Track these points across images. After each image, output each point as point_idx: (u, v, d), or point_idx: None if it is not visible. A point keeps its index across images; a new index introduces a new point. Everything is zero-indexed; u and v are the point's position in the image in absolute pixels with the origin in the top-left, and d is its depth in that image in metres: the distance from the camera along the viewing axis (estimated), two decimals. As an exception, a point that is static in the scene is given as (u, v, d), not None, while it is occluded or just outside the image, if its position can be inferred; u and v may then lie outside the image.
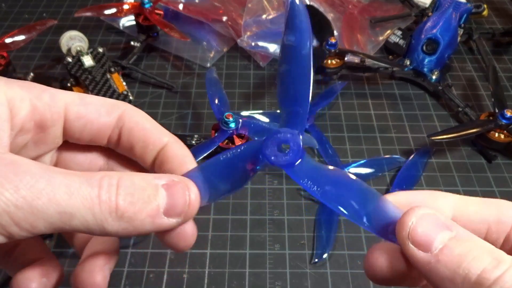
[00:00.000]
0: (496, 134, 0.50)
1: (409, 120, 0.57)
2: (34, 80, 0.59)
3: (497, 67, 0.62)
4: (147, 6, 0.62)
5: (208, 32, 0.67)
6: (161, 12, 0.65)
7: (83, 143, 0.24)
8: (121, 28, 0.69)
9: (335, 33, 0.62)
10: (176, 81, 0.61)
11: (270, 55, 0.64)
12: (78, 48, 0.57)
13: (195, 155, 0.46)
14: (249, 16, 0.64)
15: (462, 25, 0.63)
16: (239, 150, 0.21)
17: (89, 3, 0.77)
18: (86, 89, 0.51)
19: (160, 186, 0.20)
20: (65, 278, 0.24)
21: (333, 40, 0.57)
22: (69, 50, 0.57)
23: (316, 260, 0.43)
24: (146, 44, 0.66)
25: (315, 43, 0.64)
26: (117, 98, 0.49)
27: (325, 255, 0.43)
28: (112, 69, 0.54)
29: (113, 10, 0.64)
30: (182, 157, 0.23)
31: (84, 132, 0.23)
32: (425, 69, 0.59)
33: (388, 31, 0.67)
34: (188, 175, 0.22)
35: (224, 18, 0.66)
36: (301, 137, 0.20)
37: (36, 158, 0.24)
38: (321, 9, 0.65)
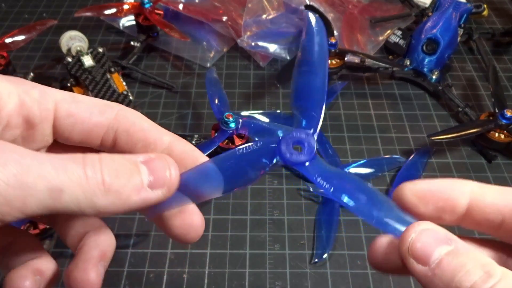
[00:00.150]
0: (496, 134, 0.50)
1: (409, 120, 0.57)
2: (34, 80, 0.59)
3: (497, 67, 0.62)
4: (147, 6, 0.62)
5: (208, 32, 0.67)
6: (161, 12, 0.65)
7: (73, 144, 0.24)
8: (121, 28, 0.69)
9: (335, 33, 0.62)
10: (176, 81, 0.61)
11: (270, 55, 0.64)
12: (78, 48, 0.57)
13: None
14: (249, 16, 0.64)
15: (462, 25, 0.63)
16: (255, 146, 0.22)
17: (89, 3, 0.77)
18: (86, 89, 0.51)
19: (139, 162, 0.20)
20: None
21: (333, 40, 0.57)
22: (69, 50, 0.57)
23: (316, 260, 0.43)
24: (146, 44, 0.66)
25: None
26: (117, 98, 0.49)
27: (325, 255, 0.43)
28: (112, 69, 0.54)
29: (113, 10, 0.64)
30: (191, 152, 0.23)
31: (74, 132, 0.23)
32: (425, 69, 0.59)
33: (388, 31, 0.67)
34: (202, 165, 0.22)
35: (224, 18, 0.66)
36: (315, 137, 0.22)
37: None
38: (321, 9, 0.65)
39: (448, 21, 0.59)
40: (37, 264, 0.23)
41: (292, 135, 0.21)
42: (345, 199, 0.21)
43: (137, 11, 0.63)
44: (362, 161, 0.51)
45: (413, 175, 0.50)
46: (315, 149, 0.21)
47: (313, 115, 0.23)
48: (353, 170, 0.50)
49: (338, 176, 0.22)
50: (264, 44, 0.64)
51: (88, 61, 0.54)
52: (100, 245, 0.23)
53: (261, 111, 0.55)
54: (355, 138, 0.54)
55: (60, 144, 0.24)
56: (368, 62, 0.60)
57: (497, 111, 0.50)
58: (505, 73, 0.63)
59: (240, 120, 0.48)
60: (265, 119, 0.54)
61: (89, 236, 0.23)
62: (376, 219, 0.20)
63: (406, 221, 0.20)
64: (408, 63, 0.60)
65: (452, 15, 0.60)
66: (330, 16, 0.65)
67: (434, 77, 0.59)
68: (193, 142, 0.50)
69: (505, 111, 0.49)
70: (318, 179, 0.21)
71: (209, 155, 0.46)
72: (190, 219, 0.22)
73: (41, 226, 0.42)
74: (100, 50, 0.55)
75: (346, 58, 0.59)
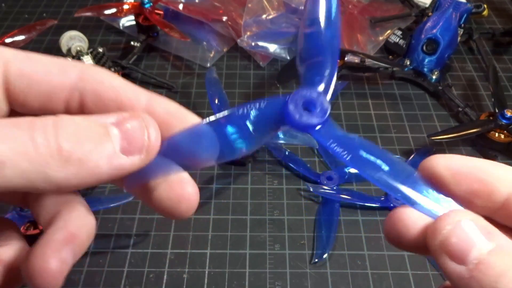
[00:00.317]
0: (496, 134, 0.50)
1: (409, 120, 0.57)
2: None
3: (497, 67, 0.62)
4: (147, 6, 0.62)
5: (208, 32, 0.67)
6: (161, 12, 0.65)
7: (33, 112, 0.19)
8: (121, 28, 0.69)
9: (335, 33, 0.62)
10: (176, 81, 0.61)
11: (270, 55, 0.64)
12: (78, 48, 0.57)
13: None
14: (249, 16, 0.64)
15: (462, 25, 0.63)
16: (258, 105, 0.19)
17: (89, 3, 0.77)
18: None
19: (109, 124, 0.17)
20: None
21: (333, 40, 0.57)
22: (69, 50, 0.57)
23: (316, 260, 0.43)
24: (146, 44, 0.66)
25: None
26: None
27: (325, 255, 0.43)
28: (112, 69, 0.54)
29: (113, 10, 0.64)
30: (177, 111, 0.20)
31: (31, 95, 0.19)
32: (425, 69, 0.59)
33: (388, 31, 0.67)
34: (194, 127, 0.19)
35: (224, 18, 0.66)
36: (328, 96, 0.19)
37: None
38: (321, 9, 0.64)
39: (448, 21, 0.59)
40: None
41: (302, 94, 0.18)
42: (364, 169, 0.18)
43: (137, 11, 0.63)
44: (362, 161, 0.51)
45: (413, 175, 0.50)
46: (328, 111, 0.18)
47: (326, 70, 0.19)
48: (353, 170, 0.50)
49: (356, 143, 0.19)
50: (264, 44, 0.64)
51: (88, 61, 0.54)
52: (69, 226, 0.19)
53: (261, 111, 0.55)
54: (355, 138, 0.54)
55: (20, 115, 0.19)
56: (368, 62, 0.60)
57: (497, 111, 0.50)
58: (505, 73, 0.63)
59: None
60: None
61: (60, 216, 0.19)
62: (401, 193, 0.18)
63: (439, 200, 0.17)
64: (408, 63, 0.60)
65: (452, 15, 0.60)
66: (330, 16, 0.65)
67: (434, 77, 0.59)
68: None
69: (505, 111, 0.49)
70: (333, 145, 0.18)
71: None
72: (179, 188, 0.19)
73: (41, 227, 0.42)
74: (100, 50, 0.55)
75: (346, 58, 0.59)
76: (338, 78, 0.62)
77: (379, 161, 0.18)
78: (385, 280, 0.42)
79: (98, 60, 0.54)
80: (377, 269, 0.42)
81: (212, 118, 0.18)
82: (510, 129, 0.49)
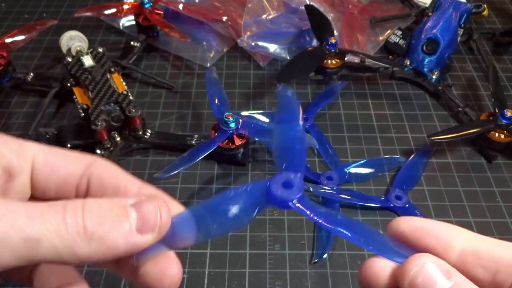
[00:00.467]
0: (496, 134, 0.50)
1: (409, 120, 0.57)
2: (35, 79, 0.59)
3: (497, 67, 0.62)
4: (147, 6, 0.62)
5: (208, 32, 0.67)
6: (161, 12, 0.65)
7: (50, 196, 0.23)
8: (121, 28, 0.69)
9: (335, 33, 0.62)
10: (176, 81, 0.61)
11: (270, 55, 0.64)
12: (78, 48, 0.57)
13: (195, 155, 0.46)
14: (249, 16, 0.64)
15: (462, 25, 0.63)
16: (241, 190, 0.22)
17: (89, 3, 0.77)
18: (86, 89, 0.51)
19: (128, 205, 0.20)
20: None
21: (333, 40, 0.57)
22: (69, 50, 0.57)
23: (316, 260, 0.43)
24: (146, 44, 0.66)
25: (315, 43, 0.64)
26: (117, 98, 0.49)
27: (325, 255, 0.43)
28: (112, 69, 0.54)
29: (113, 10, 0.64)
30: (161, 198, 0.23)
31: (51, 182, 0.23)
32: (425, 69, 0.59)
33: (388, 31, 0.67)
34: (178, 217, 0.22)
35: (224, 18, 0.66)
36: (301, 176, 0.22)
37: None
38: (321, 9, 0.65)
39: (448, 21, 0.59)
40: None
41: (281, 176, 0.22)
42: (339, 230, 0.22)
43: (137, 11, 0.63)
44: (362, 161, 0.51)
45: (413, 175, 0.50)
46: (303, 189, 0.22)
47: (298, 163, 0.23)
48: (353, 170, 0.50)
49: (329, 212, 0.22)
50: (264, 44, 0.64)
51: (88, 61, 0.54)
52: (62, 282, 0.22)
53: (261, 111, 0.55)
54: (355, 138, 0.54)
55: (36, 200, 0.23)
56: (368, 62, 0.60)
57: (497, 111, 0.50)
58: (505, 73, 0.63)
59: (240, 120, 0.48)
60: (265, 119, 0.54)
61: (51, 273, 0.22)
62: (373, 246, 0.21)
63: (403, 253, 0.21)
64: (408, 63, 0.60)
65: (452, 15, 0.60)
66: (330, 16, 0.65)
67: (434, 77, 0.59)
68: (193, 142, 0.50)
69: (505, 111, 0.49)
70: (310, 213, 0.22)
71: (209, 155, 0.46)
72: (165, 265, 0.21)
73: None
74: (100, 50, 0.55)
75: (346, 58, 0.59)
76: (338, 78, 0.62)
77: (350, 226, 0.22)
78: (385, 280, 0.42)
79: (98, 60, 0.54)
80: (377, 269, 0.42)
81: (194, 207, 0.22)
82: (510, 129, 0.49)
